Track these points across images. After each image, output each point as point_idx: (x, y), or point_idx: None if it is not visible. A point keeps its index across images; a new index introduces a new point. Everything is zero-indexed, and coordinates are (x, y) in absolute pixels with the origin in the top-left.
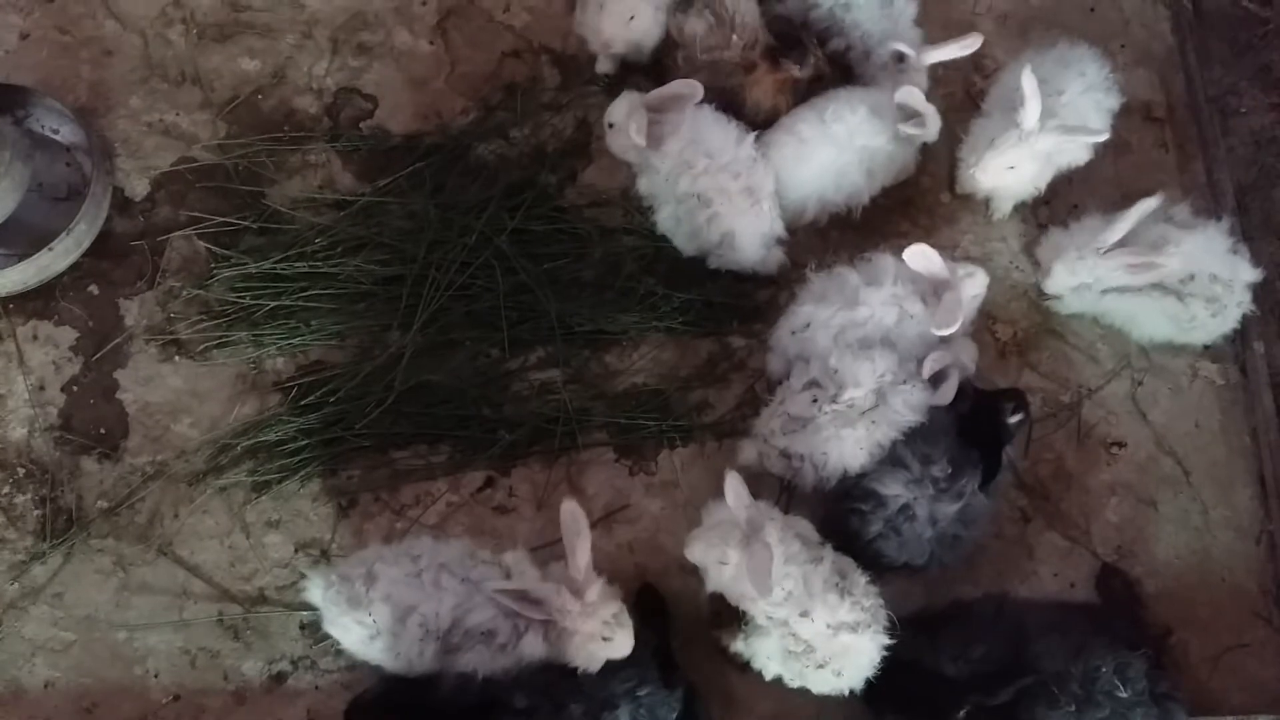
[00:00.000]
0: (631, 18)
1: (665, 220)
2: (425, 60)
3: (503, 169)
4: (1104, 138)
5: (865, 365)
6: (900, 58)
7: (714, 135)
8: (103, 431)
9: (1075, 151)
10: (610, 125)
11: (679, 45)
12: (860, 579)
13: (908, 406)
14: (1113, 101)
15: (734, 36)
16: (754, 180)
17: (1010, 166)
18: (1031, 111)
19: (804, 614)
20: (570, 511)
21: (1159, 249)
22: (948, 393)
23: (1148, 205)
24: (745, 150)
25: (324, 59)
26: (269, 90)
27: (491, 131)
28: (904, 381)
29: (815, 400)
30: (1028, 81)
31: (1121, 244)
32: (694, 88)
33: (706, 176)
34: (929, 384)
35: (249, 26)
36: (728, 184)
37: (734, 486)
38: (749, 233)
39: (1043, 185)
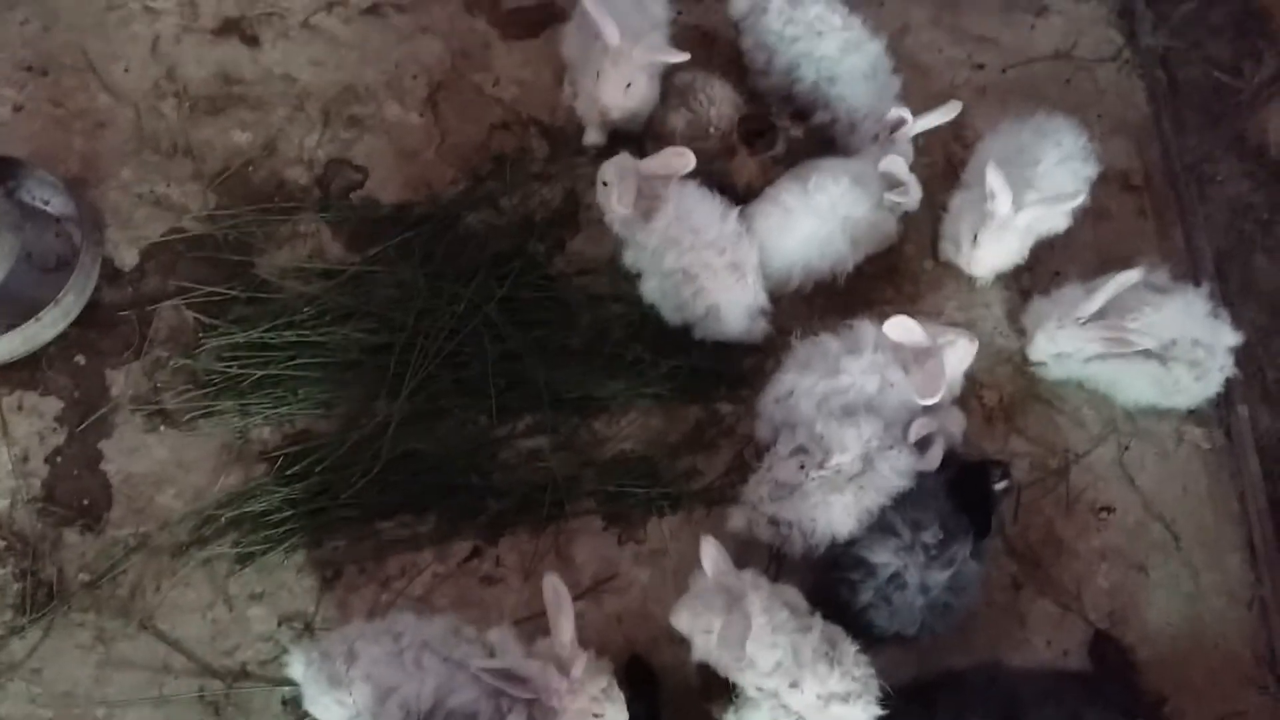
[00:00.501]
0: (629, 85)
1: (651, 291)
2: (415, 132)
3: (491, 238)
4: (1081, 200)
5: (851, 431)
6: (894, 127)
7: (699, 212)
8: (86, 503)
9: (1055, 220)
10: (604, 183)
11: (661, 137)
12: (850, 648)
13: (895, 472)
14: (1090, 170)
15: (711, 129)
16: (739, 255)
17: (997, 254)
18: (1002, 203)
19: (793, 684)
20: (552, 586)
21: (1135, 315)
22: (934, 458)
23: (1126, 279)
24: (730, 226)
25: (315, 131)
26: (260, 162)
27: (481, 201)
28: (890, 447)
29: (802, 466)
30: (993, 176)
31: (1101, 314)
32: (685, 155)
33: (692, 253)
34: (915, 449)
35: (241, 100)
36: (713, 260)
37: (711, 554)
38: (734, 306)
39: (1025, 255)
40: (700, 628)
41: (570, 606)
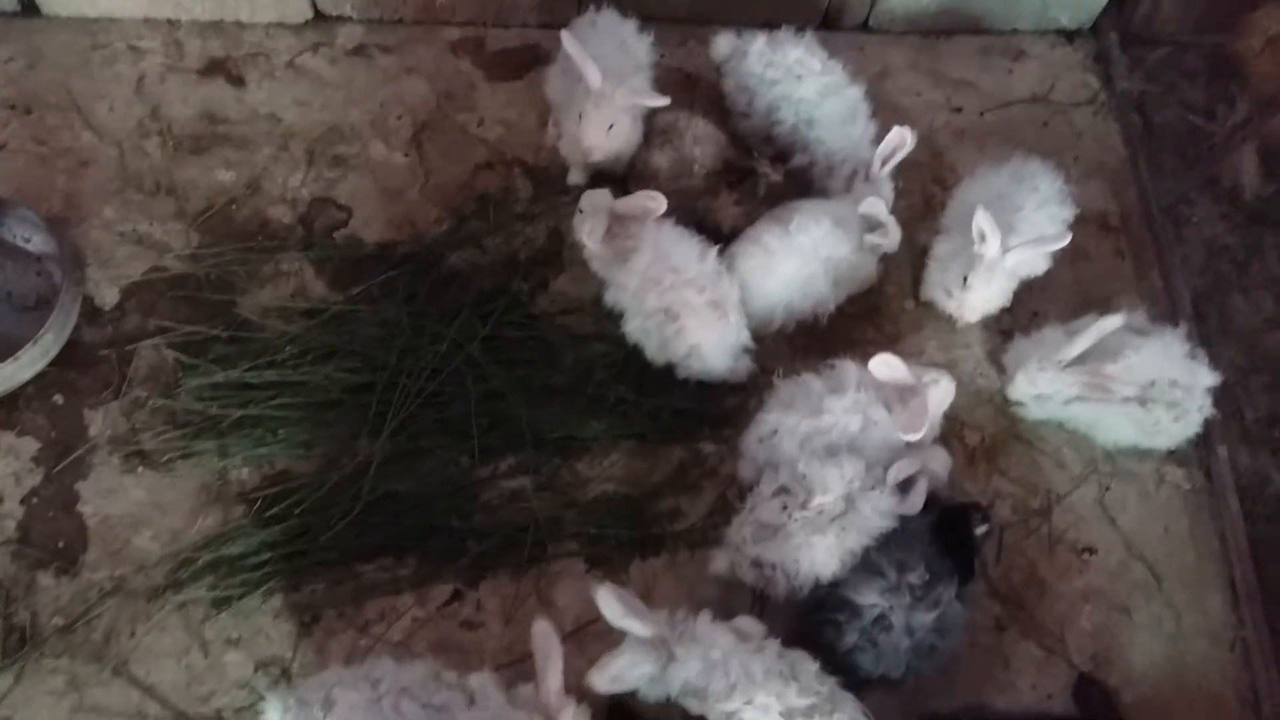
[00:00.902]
0: (611, 126)
1: (634, 331)
2: (400, 172)
3: (475, 277)
4: (1065, 242)
5: (833, 471)
6: (885, 159)
7: (678, 251)
8: (61, 545)
9: (1036, 262)
10: (580, 210)
11: (645, 177)
12: (810, 666)
13: (877, 512)
14: (1067, 213)
15: (695, 167)
16: (719, 293)
17: (987, 297)
18: (992, 244)
19: (748, 701)
20: (542, 631)
21: (1117, 359)
22: (917, 500)
23: (1107, 324)
24: (709, 264)
25: (299, 170)
26: (243, 200)
27: (464, 241)
28: (873, 487)
29: (785, 507)
30: (982, 218)
31: (1081, 358)
32: (658, 200)
33: (672, 292)
34: (898, 490)
35: (225, 139)
36: (693, 298)
37: (606, 600)
38: (716, 345)
39: (1009, 298)
40: (634, 679)
41: (560, 653)
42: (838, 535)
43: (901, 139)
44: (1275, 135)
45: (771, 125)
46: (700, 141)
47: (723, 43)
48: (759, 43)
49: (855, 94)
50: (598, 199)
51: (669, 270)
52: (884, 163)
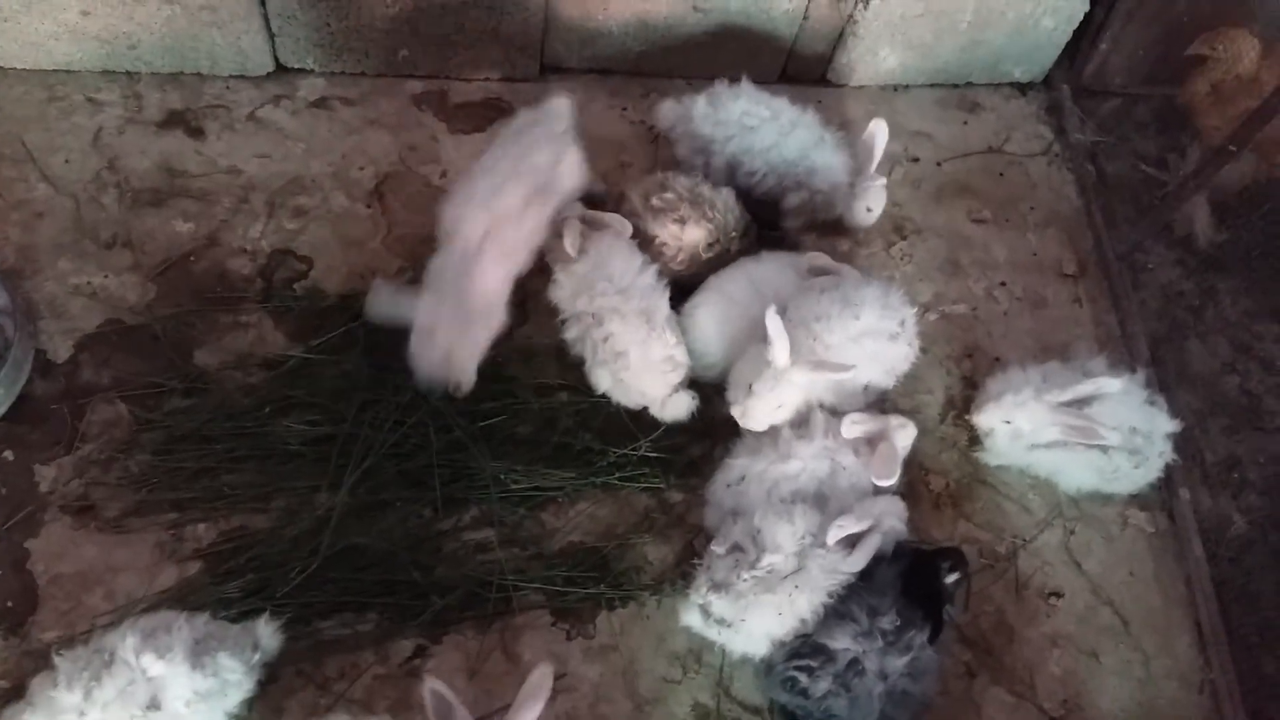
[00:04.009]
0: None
1: (572, 340)
2: (362, 222)
3: None
4: (849, 374)
5: (785, 528)
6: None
7: (617, 261)
8: (9, 605)
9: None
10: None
11: (671, 252)
12: None
13: (823, 572)
14: (899, 352)
15: (731, 234)
16: (650, 304)
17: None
18: (779, 352)
19: None
20: (542, 674)
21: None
22: (859, 559)
23: (1108, 385)
24: (646, 279)
25: (259, 222)
26: (201, 252)
27: None
28: (820, 545)
29: (736, 564)
30: (771, 325)
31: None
32: (625, 225)
33: (602, 298)
34: (843, 546)
35: (184, 191)
36: (621, 305)
37: (433, 696)
38: (643, 357)
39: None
40: None
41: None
42: (789, 595)
43: (880, 130)
44: (1225, 184)
45: (749, 179)
46: (731, 208)
47: (667, 110)
48: (700, 104)
49: (810, 119)
50: (571, 213)
51: (603, 278)
52: (872, 158)
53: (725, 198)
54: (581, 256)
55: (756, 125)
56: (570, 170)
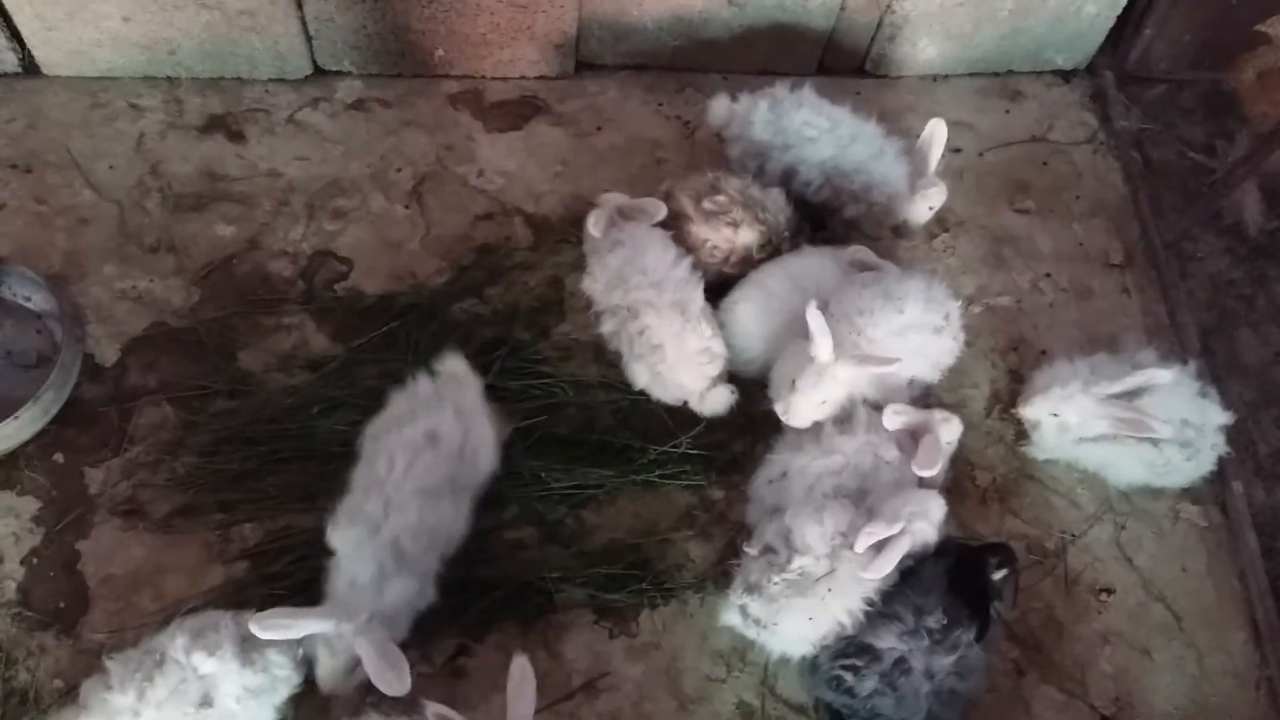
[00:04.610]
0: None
1: (608, 334)
2: (400, 223)
3: (477, 327)
4: (891, 368)
5: (814, 529)
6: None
7: (652, 254)
8: (62, 606)
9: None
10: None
11: (723, 255)
12: None
13: (853, 579)
14: (943, 344)
15: (784, 233)
16: (684, 297)
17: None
18: (822, 349)
19: None
20: (519, 667)
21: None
22: (881, 566)
23: (1159, 376)
24: (680, 272)
25: (300, 224)
26: (244, 255)
27: (465, 291)
28: (850, 548)
29: (769, 566)
30: (813, 320)
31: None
32: (659, 207)
33: (637, 291)
34: (872, 551)
35: (226, 195)
36: (655, 298)
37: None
38: (679, 350)
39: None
40: None
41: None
42: (823, 598)
43: (939, 130)
44: (1276, 171)
45: (804, 187)
46: (782, 208)
47: (719, 108)
48: (761, 110)
49: (871, 130)
50: (606, 200)
51: (638, 271)
52: (929, 159)
53: (776, 198)
54: (615, 248)
55: (816, 136)
56: (485, 453)
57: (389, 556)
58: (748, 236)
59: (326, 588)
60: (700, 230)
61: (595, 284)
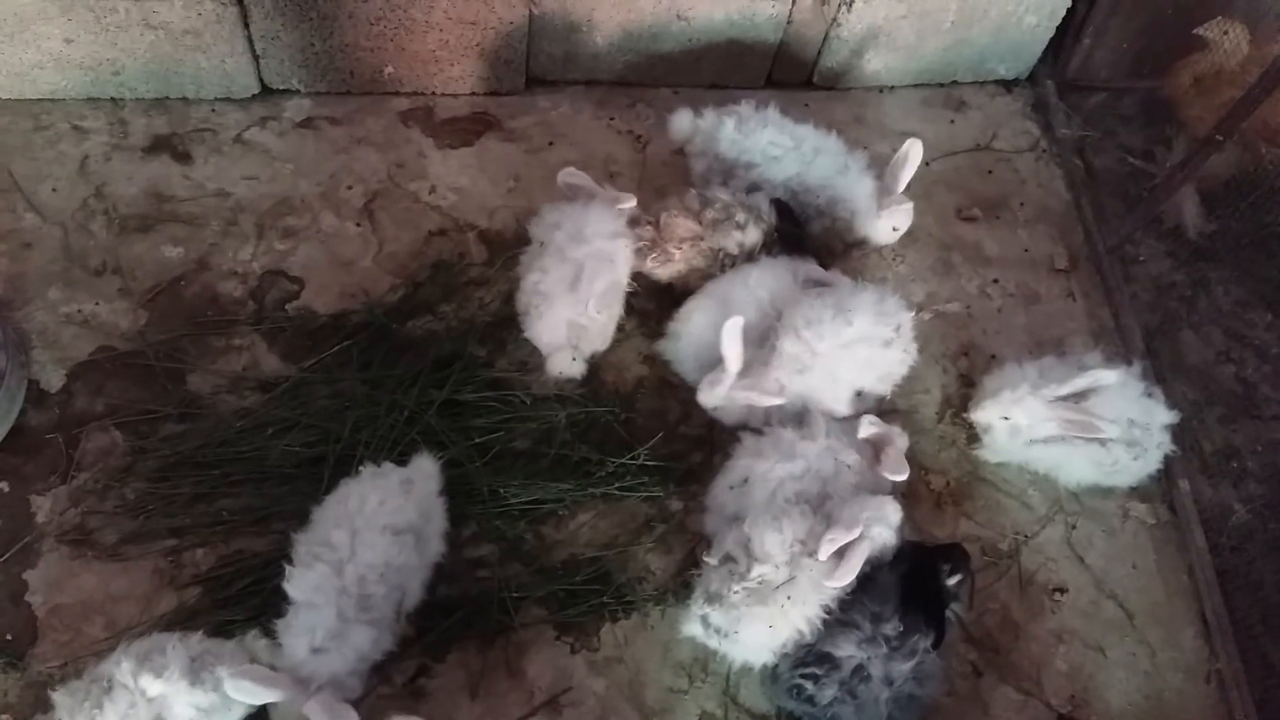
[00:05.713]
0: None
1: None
2: (352, 241)
3: (431, 343)
4: (775, 402)
5: (774, 537)
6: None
7: (594, 217)
8: (9, 637)
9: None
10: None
11: (731, 259)
12: None
13: (813, 586)
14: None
15: (775, 233)
16: (593, 267)
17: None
18: (732, 361)
19: None
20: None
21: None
22: (844, 573)
23: (1104, 377)
24: (608, 245)
25: (249, 244)
26: (192, 276)
27: (419, 308)
28: (811, 555)
29: (729, 575)
30: (727, 332)
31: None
32: (630, 200)
33: (560, 234)
34: (835, 559)
35: (173, 216)
36: (558, 265)
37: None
38: (556, 311)
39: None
40: None
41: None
42: (782, 607)
43: (915, 150)
44: (1212, 175)
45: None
46: (769, 208)
47: (681, 122)
48: (728, 128)
49: (835, 144)
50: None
51: (574, 221)
52: (899, 178)
53: (761, 200)
54: (576, 198)
55: (780, 155)
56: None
57: (351, 602)
58: (754, 235)
59: (282, 639)
60: (712, 240)
61: (540, 222)
